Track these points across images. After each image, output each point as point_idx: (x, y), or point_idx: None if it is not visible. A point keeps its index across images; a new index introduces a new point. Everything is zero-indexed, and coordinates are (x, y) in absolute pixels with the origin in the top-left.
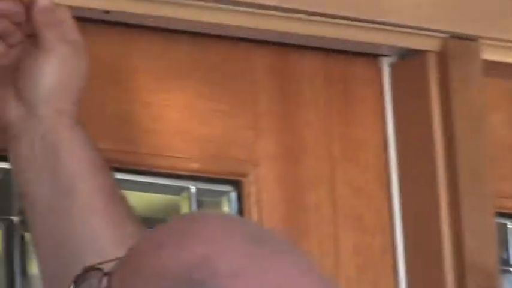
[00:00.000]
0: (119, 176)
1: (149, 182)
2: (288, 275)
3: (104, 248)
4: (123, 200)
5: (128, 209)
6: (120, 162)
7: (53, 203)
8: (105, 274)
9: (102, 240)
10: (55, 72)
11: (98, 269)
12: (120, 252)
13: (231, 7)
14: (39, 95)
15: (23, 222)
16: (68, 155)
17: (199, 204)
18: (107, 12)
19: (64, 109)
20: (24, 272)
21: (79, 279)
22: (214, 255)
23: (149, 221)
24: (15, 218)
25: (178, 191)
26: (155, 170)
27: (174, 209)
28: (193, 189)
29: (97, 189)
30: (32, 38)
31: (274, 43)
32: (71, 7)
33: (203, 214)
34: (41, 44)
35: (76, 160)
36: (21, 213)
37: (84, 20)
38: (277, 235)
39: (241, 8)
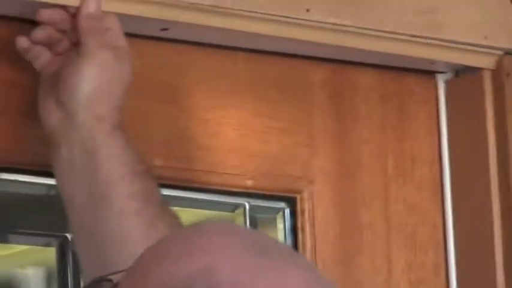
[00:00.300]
0: (174, 193)
1: (204, 199)
2: (293, 286)
3: (136, 252)
4: (159, 203)
5: (163, 212)
6: (176, 179)
7: (90, 206)
8: (114, 285)
9: (134, 243)
10: (94, 78)
11: (108, 280)
12: None
13: (287, 22)
14: (78, 101)
15: None
16: (105, 161)
17: (253, 221)
18: (164, 29)
19: (103, 115)
20: None
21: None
22: (216, 266)
23: None
24: (68, 235)
25: (233, 207)
26: (210, 187)
27: None
28: (247, 206)
29: (132, 194)
30: (76, 46)
31: (330, 59)
32: (128, 24)
33: (207, 224)
34: (82, 51)
35: (113, 166)
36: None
37: (142, 37)
38: (283, 245)
39: (298, 23)
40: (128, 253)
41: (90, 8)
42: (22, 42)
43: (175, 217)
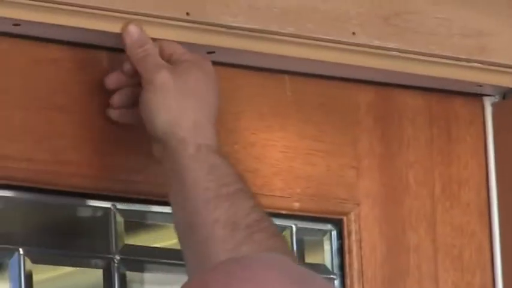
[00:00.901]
0: None
1: None
2: None
3: None
4: (249, 225)
5: (252, 234)
6: None
7: (184, 234)
8: None
9: None
10: (159, 102)
11: None
12: None
13: (333, 47)
14: (158, 129)
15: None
16: (191, 186)
17: (300, 243)
18: (211, 52)
19: (185, 138)
20: None
21: None
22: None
23: None
24: (115, 257)
25: (280, 230)
26: None
27: None
28: (294, 228)
29: (216, 220)
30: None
31: (376, 82)
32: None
33: (249, 257)
34: (141, 80)
35: (197, 191)
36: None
37: None
38: (322, 280)
39: (344, 47)
40: None
41: (133, 36)
42: (109, 84)
43: (272, 235)
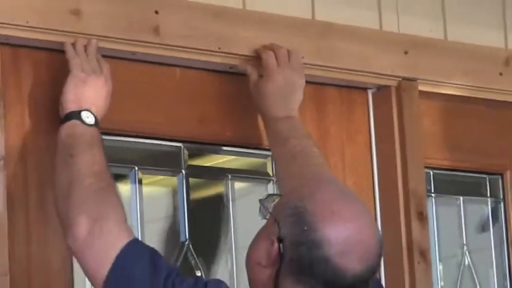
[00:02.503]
0: None
1: None
2: (357, 209)
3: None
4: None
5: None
6: None
7: (288, 161)
8: (275, 199)
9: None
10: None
11: (279, 195)
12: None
13: None
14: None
15: None
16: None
17: None
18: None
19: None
20: None
21: (264, 198)
22: (316, 192)
23: None
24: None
25: None
26: None
27: None
28: None
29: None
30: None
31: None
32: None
33: (319, 177)
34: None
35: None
36: None
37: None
38: (353, 193)
39: None
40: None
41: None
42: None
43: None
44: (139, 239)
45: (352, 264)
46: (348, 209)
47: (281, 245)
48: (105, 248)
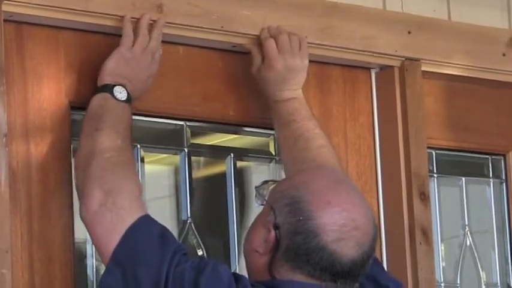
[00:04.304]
0: None
1: None
2: (351, 197)
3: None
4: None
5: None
6: None
7: (294, 142)
8: (270, 186)
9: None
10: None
11: (268, 181)
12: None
13: None
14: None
15: None
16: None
17: None
18: None
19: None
20: None
21: (260, 185)
22: (310, 181)
23: None
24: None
25: None
26: None
27: None
28: None
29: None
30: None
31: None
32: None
33: (313, 168)
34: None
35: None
36: None
37: None
38: (351, 181)
39: None
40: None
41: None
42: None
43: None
44: None
45: (347, 251)
46: (343, 197)
47: (277, 232)
48: (116, 222)
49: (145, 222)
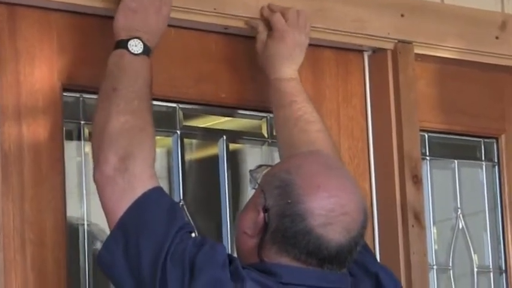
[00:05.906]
0: None
1: None
2: (342, 183)
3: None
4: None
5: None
6: None
7: (289, 124)
8: (264, 170)
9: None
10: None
11: (262, 166)
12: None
13: None
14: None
15: None
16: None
17: None
18: None
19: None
20: None
21: (254, 169)
22: (303, 164)
23: None
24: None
25: None
26: None
27: None
28: None
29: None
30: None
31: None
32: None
33: (305, 152)
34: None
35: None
36: None
37: None
38: (344, 167)
39: None
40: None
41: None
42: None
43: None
44: None
45: (334, 235)
46: (333, 183)
47: (266, 215)
48: (126, 190)
49: (157, 194)
